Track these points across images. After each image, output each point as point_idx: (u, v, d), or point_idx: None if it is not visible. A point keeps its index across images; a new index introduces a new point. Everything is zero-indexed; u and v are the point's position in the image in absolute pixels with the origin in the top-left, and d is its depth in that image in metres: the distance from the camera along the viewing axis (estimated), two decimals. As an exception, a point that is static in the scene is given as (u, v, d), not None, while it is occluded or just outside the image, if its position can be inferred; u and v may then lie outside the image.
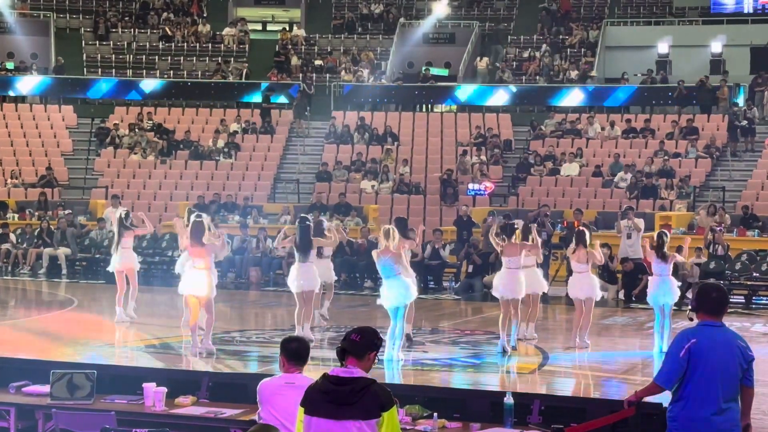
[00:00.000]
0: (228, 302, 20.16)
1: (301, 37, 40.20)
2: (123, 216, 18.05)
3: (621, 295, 22.43)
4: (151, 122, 34.71)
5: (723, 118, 32.22)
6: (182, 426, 10.00)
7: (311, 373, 7.23)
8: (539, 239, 16.52)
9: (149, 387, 10.37)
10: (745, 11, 38.00)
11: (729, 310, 8.84)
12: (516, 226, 16.24)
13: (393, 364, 13.99)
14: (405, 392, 10.54)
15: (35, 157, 33.77)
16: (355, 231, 26.36)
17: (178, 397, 10.60)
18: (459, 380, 13.73)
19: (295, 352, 7.43)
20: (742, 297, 22.43)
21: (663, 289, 15.65)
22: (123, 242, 17.87)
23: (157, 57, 39.27)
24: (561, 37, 38.37)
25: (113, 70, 38.54)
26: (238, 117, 35.09)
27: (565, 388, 13.48)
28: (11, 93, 36.87)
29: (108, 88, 36.45)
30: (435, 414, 10.01)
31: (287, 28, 41.70)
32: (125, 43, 40.07)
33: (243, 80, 37.31)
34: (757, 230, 25.52)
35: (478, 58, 37.96)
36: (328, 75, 37.74)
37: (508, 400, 9.86)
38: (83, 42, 39.94)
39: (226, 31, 40.49)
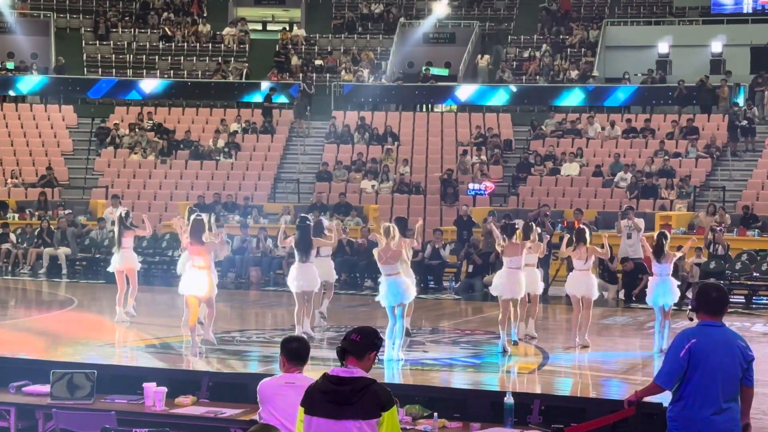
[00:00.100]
0: (228, 302, 20.16)
1: (301, 37, 40.20)
2: (123, 215, 18.06)
3: (621, 295, 22.44)
4: (151, 122, 34.72)
5: (723, 117, 32.22)
6: (182, 426, 10.00)
7: (311, 373, 7.23)
8: (544, 239, 16.56)
9: (149, 387, 10.37)
10: (744, 11, 37.99)
11: (729, 310, 8.84)
12: (516, 226, 16.25)
13: (393, 364, 14.00)
14: (405, 392, 10.53)
15: (35, 156, 33.78)
16: (355, 231, 26.38)
17: (178, 397, 10.60)
18: (459, 380, 13.73)
19: (296, 352, 7.43)
20: (743, 297, 22.44)
21: (663, 289, 15.67)
22: (123, 242, 17.88)
23: (157, 57, 39.27)
24: (561, 37, 38.37)
25: (113, 70, 38.54)
26: (239, 117, 35.09)
27: (565, 388, 13.48)
28: (11, 93, 36.87)
29: (108, 88, 36.45)
30: (435, 414, 10.01)
31: (287, 28, 41.69)
32: (125, 43, 40.07)
33: (243, 80, 37.31)
34: (757, 230, 25.52)
35: (479, 56, 37.97)
36: (328, 75, 37.75)
37: (509, 399, 9.86)
38: (83, 42, 39.94)
39: (227, 31, 40.49)
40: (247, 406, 10.10)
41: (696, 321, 7.58)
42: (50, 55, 39.18)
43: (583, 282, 15.99)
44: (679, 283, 16.68)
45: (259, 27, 43.81)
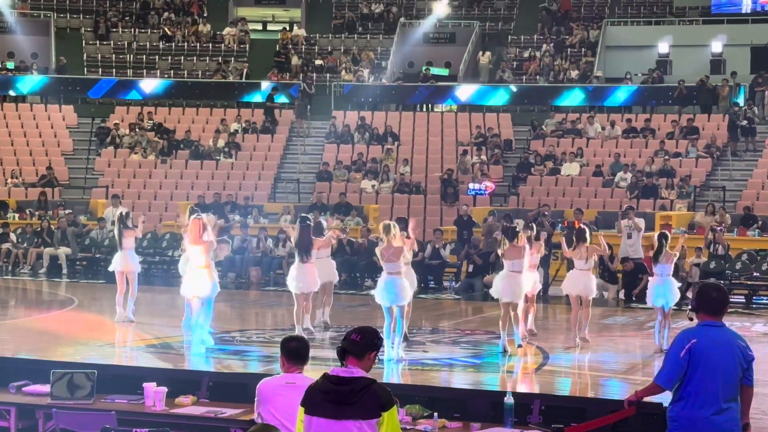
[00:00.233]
0: (228, 302, 20.16)
1: (301, 37, 40.20)
2: (123, 215, 18.05)
3: (621, 295, 22.43)
4: (151, 122, 34.72)
5: (723, 117, 32.22)
6: (182, 426, 10.01)
7: (311, 373, 7.23)
8: (541, 237, 16.55)
9: (149, 387, 10.37)
10: (743, 11, 37.98)
11: (729, 310, 8.85)
12: (517, 229, 16.23)
13: (393, 364, 14.00)
14: (405, 392, 10.54)
15: (35, 156, 33.78)
16: (355, 231, 26.37)
17: (179, 397, 10.60)
18: (459, 380, 13.73)
19: (295, 351, 7.42)
20: (743, 297, 22.43)
21: (663, 289, 15.67)
22: (124, 243, 17.87)
23: (157, 57, 39.27)
24: (561, 36, 38.36)
25: (113, 70, 38.54)
26: (239, 117, 35.09)
27: (565, 388, 13.48)
28: (11, 93, 36.87)
29: (108, 88, 36.45)
30: (435, 414, 10.01)
31: (287, 28, 41.69)
32: (125, 42, 40.07)
33: (243, 80, 37.31)
34: (757, 230, 25.52)
35: (480, 53, 37.98)
36: (328, 75, 37.75)
37: (509, 399, 9.86)
38: (83, 42, 39.94)
39: (227, 30, 40.49)
40: (247, 406, 10.09)
41: (696, 321, 7.58)
42: (50, 55, 39.19)
43: (581, 281, 16.00)
44: (680, 284, 16.70)
45: (260, 27, 43.81)
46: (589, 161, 31.12)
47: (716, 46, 35.73)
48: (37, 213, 29.30)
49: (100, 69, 38.61)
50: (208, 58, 39.36)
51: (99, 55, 39.39)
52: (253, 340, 16.56)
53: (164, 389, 10.35)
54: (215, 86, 36.83)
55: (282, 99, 35.47)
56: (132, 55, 39.30)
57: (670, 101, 33.82)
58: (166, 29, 40.48)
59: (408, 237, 15.39)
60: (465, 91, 35.19)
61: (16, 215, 29.61)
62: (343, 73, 37.31)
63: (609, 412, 9.35)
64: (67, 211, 28.45)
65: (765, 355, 13.86)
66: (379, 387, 6.40)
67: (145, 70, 38.62)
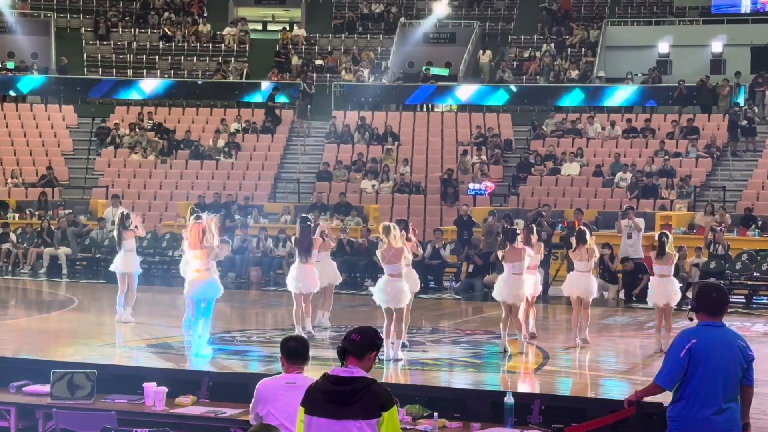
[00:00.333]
0: (228, 302, 20.13)
1: (301, 37, 40.20)
2: (123, 216, 18.03)
3: (621, 295, 22.43)
4: (151, 122, 34.72)
5: (723, 117, 32.22)
6: (182, 426, 10.01)
7: (311, 373, 7.24)
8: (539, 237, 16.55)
9: (149, 387, 10.37)
10: (743, 11, 37.98)
11: (729, 310, 8.84)
12: (517, 230, 16.21)
13: (392, 364, 13.99)
14: (405, 392, 10.54)
15: (36, 156, 33.78)
16: (355, 231, 26.37)
17: (179, 397, 10.60)
18: (459, 380, 13.74)
19: (294, 351, 7.42)
20: (743, 297, 22.43)
21: (664, 289, 15.67)
22: (124, 243, 17.85)
23: (157, 57, 39.27)
24: (561, 36, 38.36)
25: (113, 70, 38.54)
26: (239, 117, 35.09)
27: (565, 388, 13.47)
28: (12, 93, 36.87)
29: (108, 88, 36.45)
30: (435, 414, 10.01)
31: (288, 28, 41.69)
32: (125, 42, 40.07)
33: (243, 80, 37.31)
34: (757, 230, 25.52)
35: (481, 51, 37.98)
36: (328, 75, 37.75)
37: (509, 399, 9.86)
38: (83, 42, 39.94)
39: (227, 30, 40.49)
40: (247, 406, 10.02)
41: (696, 321, 7.58)
42: (50, 55, 39.19)
43: (581, 282, 16.00)
44: (681, 285, 16.70)
45: (260, 27, 43.81)
46: (589, 161, 31.12)
47: (716, 46, 35.74)
48: (37, 213, 29.31)
49: (100, 69, 38.61)
50: (208, 58, 39.36)
51: (99, 55, 39.39)
52: (253, 340, 16.56)
53: (164, 389, 10.35)
54: (215, 86, 36.83)
55: (282, 99, 35.47)
56: (132, 55, 39.30)
57: (670, 101, 33.82)
58: (166, 29, 40.49)
59: (408, 239, 15.39)
60: (465, 91, 35.19)
61: (16, 215, 29.61)
62: (343, 73, 37.31)
63: (609, 412, 9.35)
64: (67, 211, 28.45)
65: (765, 355, 13.86)
66: (380, 387, 6.40)
67: (145, 70, 38.62)
